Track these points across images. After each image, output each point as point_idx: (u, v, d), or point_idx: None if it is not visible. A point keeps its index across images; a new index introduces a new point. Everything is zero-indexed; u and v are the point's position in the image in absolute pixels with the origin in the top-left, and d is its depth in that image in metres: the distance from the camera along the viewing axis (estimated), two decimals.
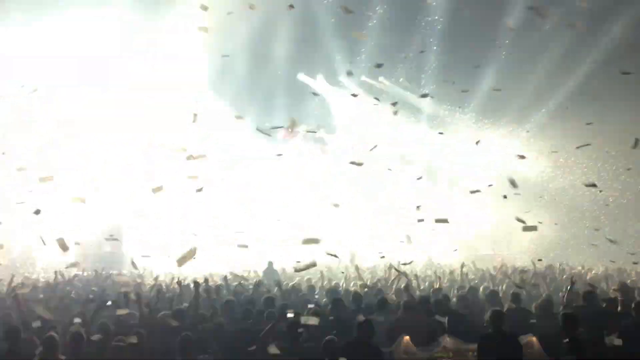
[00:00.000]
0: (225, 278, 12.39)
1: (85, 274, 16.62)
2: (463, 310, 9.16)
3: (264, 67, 21.80)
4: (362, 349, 6.85)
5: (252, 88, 22.58)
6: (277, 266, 17.61)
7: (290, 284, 12.99)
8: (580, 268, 16.30)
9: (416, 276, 13.05)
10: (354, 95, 19.27)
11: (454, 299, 10.12)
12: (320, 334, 7.10)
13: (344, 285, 13.15)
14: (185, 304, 9.26)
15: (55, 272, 16.18)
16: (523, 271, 14.46)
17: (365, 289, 11.26)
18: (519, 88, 21.59)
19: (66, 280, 15.35)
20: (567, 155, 23.25)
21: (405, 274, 12.83)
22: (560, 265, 16.00)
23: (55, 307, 10.27)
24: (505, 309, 8.48)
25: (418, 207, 15.92)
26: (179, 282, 10.45)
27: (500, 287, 11.91)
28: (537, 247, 20.27)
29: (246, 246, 15.29)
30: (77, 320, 7.93)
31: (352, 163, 11.70)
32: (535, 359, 7.13)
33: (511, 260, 16.28)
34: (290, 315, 7.21)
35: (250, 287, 12.74)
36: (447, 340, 7.46)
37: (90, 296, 10.66)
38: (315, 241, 10.21)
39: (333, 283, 13.23)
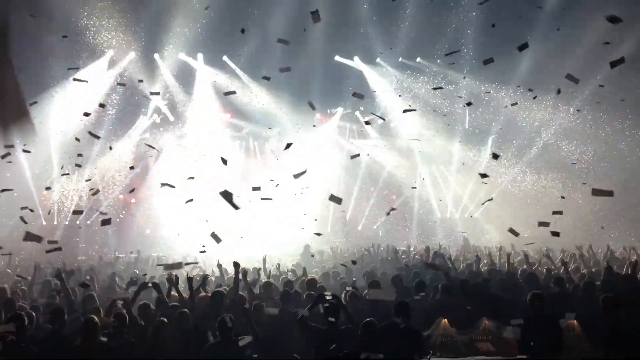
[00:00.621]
0: (263, 260, 12.51)
1: (126, 256, 17.01)
2: (503, 293, 9.10)
3: (301, 49, 21.70)
4: (400, 331, 6.87)
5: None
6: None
7: (329, 268, 13.12)
8: (622, 250, 15.92)
9: (450, 259, 12.96)
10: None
11: (494, 282, 10.05)
12: (359, 317, 7.13)
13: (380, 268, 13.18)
14: (225, 287, 9.39)
15: (100, 256, 16.75)
16: (563, 252, 14.29)
17: (403, 272, 11.26)
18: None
19: (109, 262, 15.84)
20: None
21: (442, 256, 12.83)
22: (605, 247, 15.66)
23: (99, 288, 10.63)
24: (545, 292, 8.39)
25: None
26: (219, 265, 10.61)
27: (540, 270, 11.78)
28: (578, 229, 19.83)
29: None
30: (119, 301, 8.13)
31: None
32: (575, 342, 7.06)
33: (551, 242, 15.94)
34: (328, 297, 7.24)
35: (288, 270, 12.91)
36: (486, 324, 7.42)
37: (133, 278, 10.88)
38: (338, 200, 10.57)
39: (370, 266, 13.26)
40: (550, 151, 24.09)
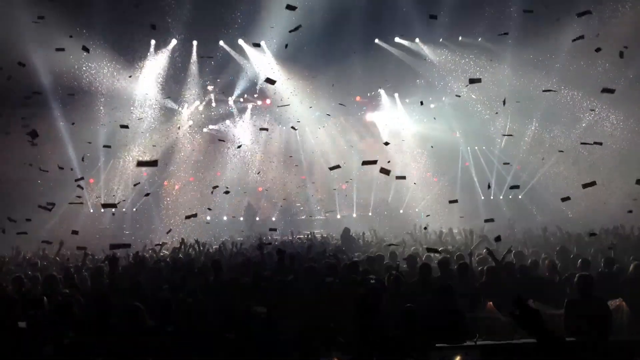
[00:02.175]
0: (304, 245, 12.57)
1: (171, 242, 17.28)
2: (549, 275, 8.95)
3: (341, 31, 21.64)
4: (445, 314, 6.82)
5: (329, 52, 22.54)
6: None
7: (371, 250, 13.08)
8: None
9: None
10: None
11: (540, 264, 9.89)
12: (401, 301, 7.10)
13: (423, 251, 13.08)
14: (267, 272, 9.46)
15: (145, 243, 17.08)
16: (615, 232, 13.88)
17: (447, 255, 11.14)
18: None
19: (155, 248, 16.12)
20: None
21: (486, 239, 12.65)
22: None
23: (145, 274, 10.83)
24: (594, 273, 8.21)
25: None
26: (260, 247, 10.69)
27: (589, 251, 11.52)
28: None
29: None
30: (165, 287, 8.28)
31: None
32: (624, 324, 6.91)
33: (598, 222, 15.54)
34: (372, 282, 7.23)
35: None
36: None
37: (178, 264, 11.03)
38: (374, 162, 10.72)
39: (412, 249, 13.18)
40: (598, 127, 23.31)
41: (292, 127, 22.59)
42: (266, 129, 18.43)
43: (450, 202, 13.65)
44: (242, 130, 27.41)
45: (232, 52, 23.99)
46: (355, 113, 28.79)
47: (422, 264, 9.13)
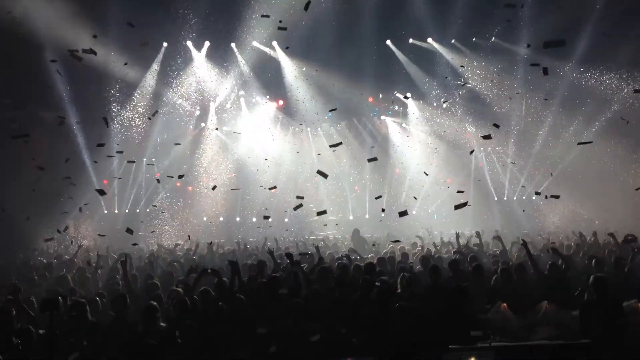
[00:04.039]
0: (317, 247, 12.52)
1: (184, 244, 17.32)
2: (563, 277, 8.88)
3: (352, 33, 21.67)
4: (458, 315, 6.79)
5: (340, 54, 22.57)
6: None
7: (384, 252, 13.05)
8: None
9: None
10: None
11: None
12: (414, 302, 7.07)
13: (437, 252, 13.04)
14: (281, 273, 9.44)
15: (158, 245, 17.17)
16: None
17: (460, 256, 11.10)
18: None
19: (168, 250, 16.20)
20: None
21: (500, 239, 12.59)
22: None
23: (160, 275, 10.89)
24: (608, 275, 8.13)
25: None
26: (270, 252, 10.68)
27: (603, 252, 11.43)
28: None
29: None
30: (179, 287, 8.29)
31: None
32: None
33: (612, 224, 15.40)
34: (379, 284, 7.22)
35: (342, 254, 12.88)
36: (547, 307, 7.26)
37: (192, 265, 11.05)
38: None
39: (425, 250, 13.14)
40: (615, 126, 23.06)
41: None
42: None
43: (457, 207, 11.42)
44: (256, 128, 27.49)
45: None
46: (367, 114, 28.74)
47: (432, 265, 9.10)
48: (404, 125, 28.55)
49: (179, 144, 19.21)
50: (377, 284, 7.52)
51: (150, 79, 23.35)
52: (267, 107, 27.22)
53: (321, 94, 24.49)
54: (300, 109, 25.93)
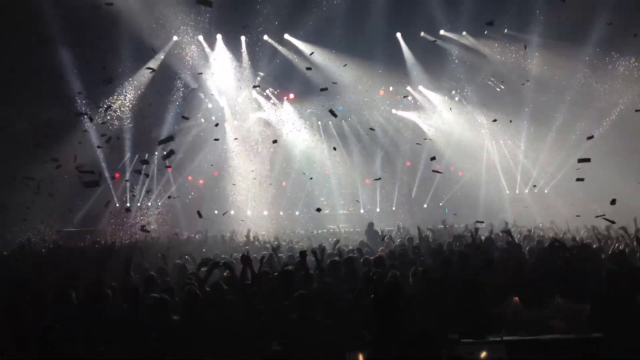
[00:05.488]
0: (333, 242, 12.53)
1: (197, 236, 17.36)
2: (577, 270, 8.80)
3: (364, 25, 21.65)
4: (468, 309, 6.77)
5: (351, 45, 22.57)
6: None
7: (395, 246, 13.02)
8: None
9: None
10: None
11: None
12: (425, 296, 7.05)
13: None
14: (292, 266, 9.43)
15: (168, 236, 17.23)
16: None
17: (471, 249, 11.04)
18: None
19: (180, 242, 16.25)
20: None
21: (509, 233, 12.51)
22: None
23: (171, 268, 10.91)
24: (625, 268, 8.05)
25: None
26: (275, 248, 10.70)
27: (618, 246, 11.31)
28: None
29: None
30: (191, 279, 8.30)
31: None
32: None
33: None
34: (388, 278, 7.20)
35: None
36: (559, 302, 7.21)
37: (204, 258, 11.07)
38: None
39: (436, 244, 13.08)
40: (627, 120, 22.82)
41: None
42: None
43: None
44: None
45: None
46: (379, 107, 28.63)
47: (443, 257, 9.07)
48: (415, 117, 28.44)
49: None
50: (386, 278, 7.47)
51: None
52: (281, 101, 27.21)
53: (332, 87, 24.44)
54: (311, 102, 26.04)
